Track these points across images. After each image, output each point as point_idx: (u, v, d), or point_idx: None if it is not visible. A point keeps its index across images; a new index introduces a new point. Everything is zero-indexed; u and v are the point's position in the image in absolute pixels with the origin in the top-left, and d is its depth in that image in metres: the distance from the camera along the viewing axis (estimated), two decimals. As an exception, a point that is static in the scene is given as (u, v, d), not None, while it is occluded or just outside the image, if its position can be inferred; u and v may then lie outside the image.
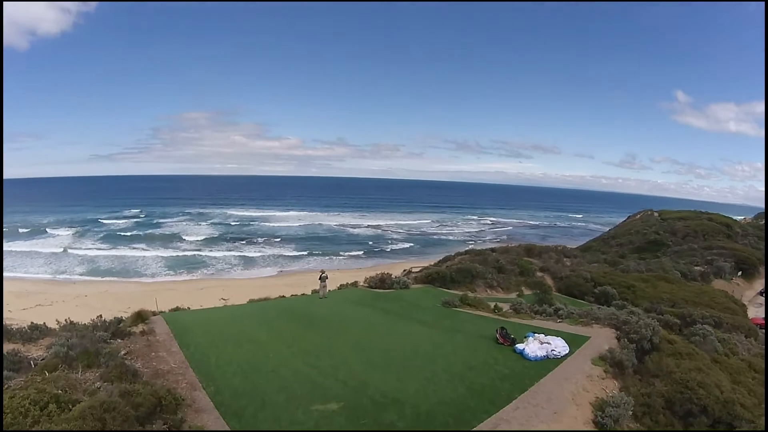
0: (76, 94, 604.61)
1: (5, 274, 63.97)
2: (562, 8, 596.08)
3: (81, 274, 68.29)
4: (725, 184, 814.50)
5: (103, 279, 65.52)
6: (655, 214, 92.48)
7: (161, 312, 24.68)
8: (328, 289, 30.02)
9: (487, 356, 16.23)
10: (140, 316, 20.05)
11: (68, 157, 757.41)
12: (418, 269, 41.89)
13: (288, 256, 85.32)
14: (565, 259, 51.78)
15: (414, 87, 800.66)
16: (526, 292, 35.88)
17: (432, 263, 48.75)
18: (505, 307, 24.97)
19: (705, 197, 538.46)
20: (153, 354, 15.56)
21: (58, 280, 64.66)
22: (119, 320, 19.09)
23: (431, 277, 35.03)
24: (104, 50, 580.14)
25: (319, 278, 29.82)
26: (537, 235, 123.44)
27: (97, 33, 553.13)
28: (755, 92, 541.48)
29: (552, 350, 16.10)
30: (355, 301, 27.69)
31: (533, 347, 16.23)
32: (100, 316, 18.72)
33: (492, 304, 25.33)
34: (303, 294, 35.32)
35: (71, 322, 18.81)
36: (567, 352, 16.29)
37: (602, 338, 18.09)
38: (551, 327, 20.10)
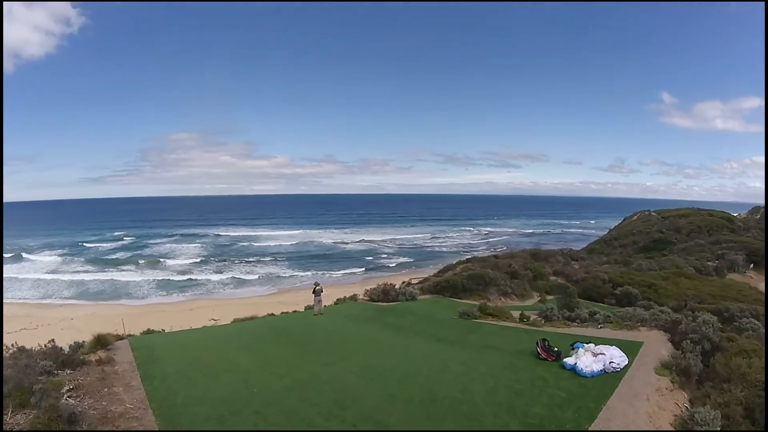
0: (64, 116, 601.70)
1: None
2: (542, 13, 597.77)
3: (68, 297, 65.30)
4: (714, 182, 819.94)
5: (91, 302, 62.31)
6: (653, 214, 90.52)
7: (129, 335, 21.42)
8: (323, 304, 26.56)
9: (532, 376, 13.15)
10: (99, 342, 16.80)
11: (59, 180, 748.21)
12: (417, 281, 39.20)
13: (281, 274, 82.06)
14: (573, 262, 49.26)
15: (399, 101, 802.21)
16: (540, 298, 33.11)
17: (431, 274, 45.72)
18: (532, 315, 22.00)
19: (695, 197, 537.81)
20: (106, 390, 12.38)
21: (45, 303, 61.53)
22: (79, 345, 15.89)
23: (440, 287, 31.79)
24: (89, 73, 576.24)
25: (313, 292, 26.44)
26: (531, 243, 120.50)
27: (82, 56, 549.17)
28: (741, 89, 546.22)
29: (609, 362, 13.19)
30: (357, 317, 24.27)
31: (586, 361, 13.28)
32: (53, 340, 15.44)
33: (517, 313, 22.28)
34: (295, 311, 31.96)
35: (21, 348, 15.59)
36: (626, 363, 13.42)
37: (656, 342, 15.55)
38: (593, 334, 17.24)
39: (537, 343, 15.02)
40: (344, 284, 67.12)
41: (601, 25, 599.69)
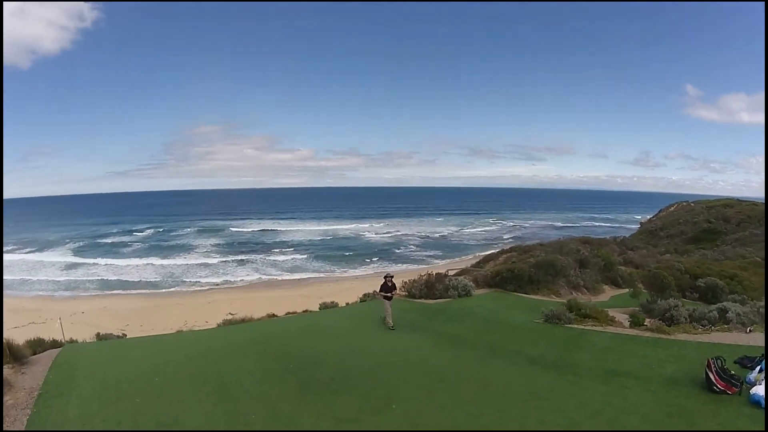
0: (84, 111, 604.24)
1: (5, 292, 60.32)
2: (565, 6, 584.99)
3: (83, 290, 63.38)
4: (740, 177, 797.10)
5: (106, 293, 60.71)
6: (693, 204, 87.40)
7: (71, 341, 16.88)
8: (390, 310, 17.47)
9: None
10: (8, 353, 12.32)
11: (84, 174, 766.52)
12: (454, 272, 35.15)
13: (304, 266, 79.44)
14: (628, 252, 44.86)
15: (424, 93, 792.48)
16: (612, 291, 28.40)
17: (470, 266, 41.62)
18: (645, 317, 16.60)
19: (720, 191, 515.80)
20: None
21: (56, 296, 59.85)
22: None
23: (500, 277, 25.51)
24: (106, 67, 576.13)
25: (381, 290, 17.82)
26: (561, 235, 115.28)
27: (98, 50, 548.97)
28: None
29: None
30: (395, 322, 17.25)
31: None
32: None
33: (618, 315, 16.88)
34: (306, 311, 25.45)
35: None
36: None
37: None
38: (745, 342, 12.36)
39: (709, 366, 9.52)
40: (372, 278, 63.12)
41: (621, 16, 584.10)
